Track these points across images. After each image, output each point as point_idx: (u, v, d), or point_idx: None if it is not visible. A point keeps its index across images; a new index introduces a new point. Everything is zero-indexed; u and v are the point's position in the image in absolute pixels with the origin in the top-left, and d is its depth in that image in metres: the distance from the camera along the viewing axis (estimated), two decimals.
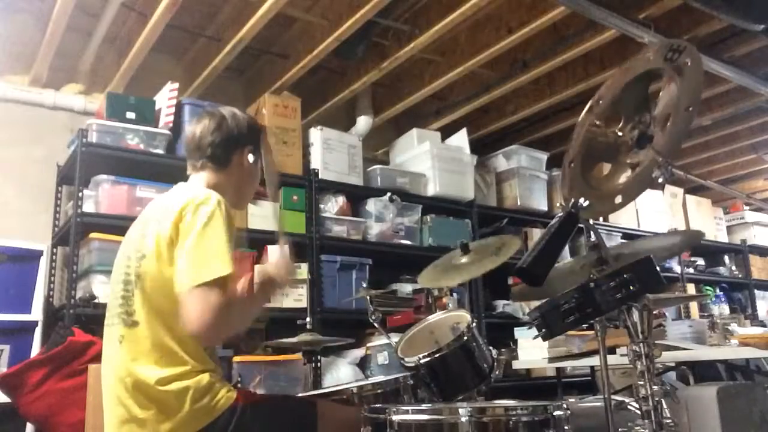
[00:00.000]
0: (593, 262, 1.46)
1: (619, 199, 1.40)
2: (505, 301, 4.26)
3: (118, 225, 2.60)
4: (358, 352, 3.49)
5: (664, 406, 1.33)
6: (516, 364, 3.39)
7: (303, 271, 3.37)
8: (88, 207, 3.02)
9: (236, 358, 3.01)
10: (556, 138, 4.80)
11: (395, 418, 1.44)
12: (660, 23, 3.31)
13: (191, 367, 1.56)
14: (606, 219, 4.94)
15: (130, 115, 3.19)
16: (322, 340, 2.61)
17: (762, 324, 3.77)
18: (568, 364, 3.44)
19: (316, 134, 3.83)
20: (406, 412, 1.48)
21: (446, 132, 4.42)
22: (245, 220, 3.37)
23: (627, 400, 1.66)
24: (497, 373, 1.98)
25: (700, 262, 5.72)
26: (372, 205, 3.88)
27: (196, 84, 3.67)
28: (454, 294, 3.72)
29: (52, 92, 3.49)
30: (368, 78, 3.78)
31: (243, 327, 1.81)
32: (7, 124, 3.35)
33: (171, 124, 3.28)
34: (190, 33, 3.61)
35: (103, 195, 3.04)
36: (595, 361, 2.90)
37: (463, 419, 1.40)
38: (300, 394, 2.02)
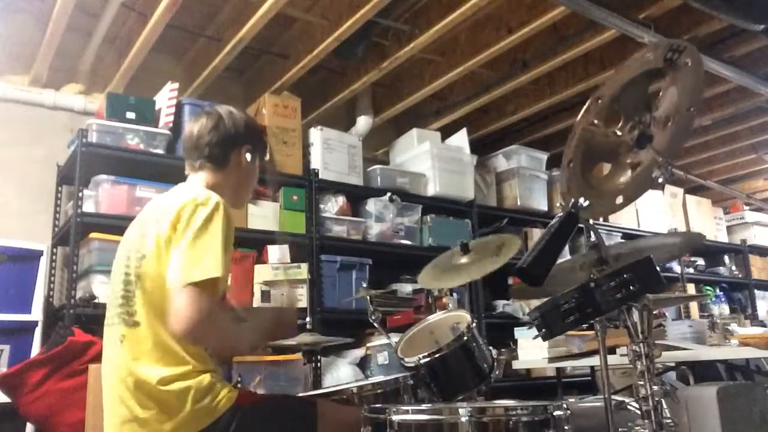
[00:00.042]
0: (593, 262, 1.46)
1: (620, 200, 1.40)
2: (505, 301, 4.26)
3: (118, 225, 2.59)
4: (358, 352, 3.49)
5: (664, 406, 1.33)
6: (516, 364, 3.39)
7: (303, 271, 3.37)
8: (88, 207, 3.02)
9: (236, 359, 3.01)
10: (556, 138, 4.80)
11: (395, 418, 1.44)
12: (660, 23, 3.31)
13: (192, 367, 1.56)
14: (606, 219, 4.95)
15: (130, 115, 3.19)
16: (322, 340, 2.61)
17: (762, 324, 3.78)
18: (568, 364, 3.44)
19: (316, 134, 3.83)
20: (406, 412, 1.48)
21: (446, 132, 4.43)
22: (245, 220, 3.38)
23: (627, 400, 1.66)
24: (497, 373, 1.98)
25: (700, 262, 5.73)
26: (372, 205, 3.88)
27: (196, 84, 3.67)
28: (454, 294, 3.72)
29: (52, 92, 3.49)
30: (368, 78, 3.78)
31: (232, 345, 1.76)
32: (7, 124, 3.36)
33: (171, 124, 3.28)
34: (190, 33, 3.61)
35: (103, 195, 3.04)
36: (595, 361, 2.90)
37: (463, 419, 1.40)
38: (300, 394, 2.02)
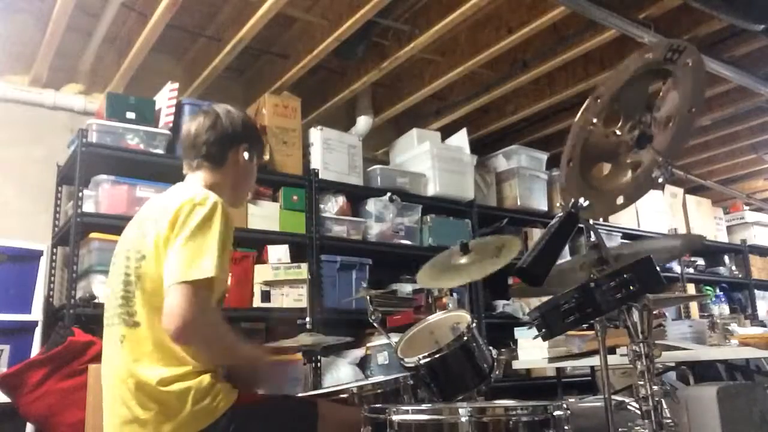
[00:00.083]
0: (593, 262, 1.46)
1: (620, 200, 1.40)
2: (505, 301, 4.26)
3: (118, 225, 2.57)
4: (358, 352, 3.49)
5: (664, 406, 1.33)
6: (516, 364, 3.39)
7: (303, 271, 3.38)
8: (88, 207, 3.02)
9: None
10: (556, 138, 4.79)
11: (395, 418, 1.44)
12: (660, 23, 3.31)
13: (192, 367, 1.55)
14: (606, 219, 4.94)
15: (130, 115, 3.19)
16: (322, 340, 2.61)
17: (762, 324, 3.77)
18: (568, 364, 3.44)
19: (316, 134, 3.83)
20: (406, 412, 1.48)
21: (446, 132, 4.42)
22: (245, 220, 3.38)
23: (627, 400, 1.66)
24: (497, 373, 1.98)
25: (700, 262, 5.73)
26: (372, 205, 3.88)
27: (196, 84, 3.67)
28: (454, 294, 3.72)
29: (52, 92, 3.49)
30: (368, 78, 3.78)
31: (224, 349, 1.63)
32: (7, 124, 3.35)
33: (171, 124, 3.28)
34: (190, 33, 3.61)
35: (103, 195, 3.04)
36: (595, 361, 2.90)
37: (463, 419, 1.40)
38: (300, 395, 2.02)
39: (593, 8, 3.01)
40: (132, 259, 1.64)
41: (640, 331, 1.31)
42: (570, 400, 2.00)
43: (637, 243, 1.96)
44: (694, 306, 5.14)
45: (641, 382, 1.30)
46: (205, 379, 1.55)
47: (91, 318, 2.77)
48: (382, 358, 3.43)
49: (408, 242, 3.96)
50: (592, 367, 3.59)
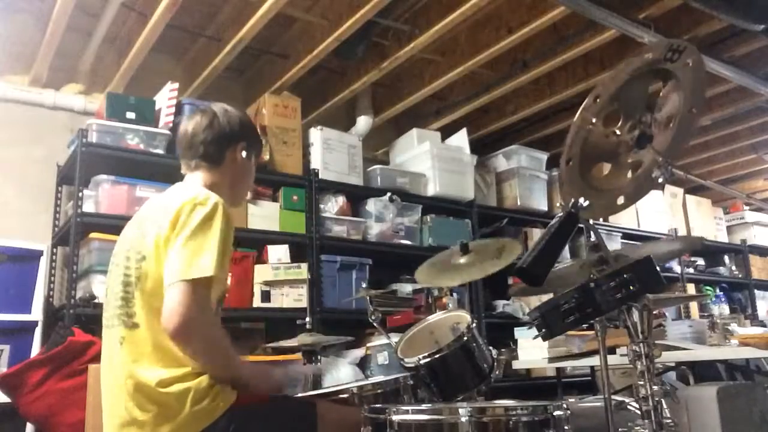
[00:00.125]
0: (593, 262, 1.46)
1: (621, 200, 1.40)
2: (505, 301, 4.26)
3: (118, 225, 2.56)
4: (358, 352, 3.49)
5: (664, 406, 1.33)
6: (516, 364, 3.39)
7: (303, 271, 3.38)
8: (88, 207, 3.02)
9: None
10: (556, 138, 4.80)
11: (395, 418, 1.44)
12: (660, 23, 3.31)
13: (192, 368, 1.55)
14: (606, 219, 4.94)
15: (130, 115, 3.19)
16: (322, 340, 2.61)
17: (762, 324, 3.77)
18: (568, 364, 3.44)
19: (316, 134, 3.83)
20: (406, 412, 1.48)
21: (446, 132, 4.43)
22: (245, 220, 3.38)
23: (627, 400, 1.66)
24: (497, 373, 1.97)
25: (700, 262, 5.73)
26: (372, 205, 3.88)
27: (196, 84, 3.67)
28: (454, 294, 3.72)
29: (52, 92, 3.49)
30: (368, 78, 3.78)
31: (221, 352, 1.58)
32: (7, 124, 3.35)
33: (171, 124, 3.28)
34: (190, 33, 3.61)
35: (103, 195, 3.05)
36: (595, 361, 2.90)
37: (463, 419, 1.39)
38: (300, 395, 2.02)
39: (593, 8, 3.01)
40: (132, 259, 1.63)
41: (640, 331, 1.31)
42: (570, 400, 2.00)
43: (634, 248, 1.95)
44: (694, 306, 5.14)
45: (641, 382, 1.29)
46: (204, 380, 1.55)
47: (91, 318, 2.77)
48: (382, 358, 3.43)
49: (408, 242, 3.96)
50: (592, 367, 3.59)
